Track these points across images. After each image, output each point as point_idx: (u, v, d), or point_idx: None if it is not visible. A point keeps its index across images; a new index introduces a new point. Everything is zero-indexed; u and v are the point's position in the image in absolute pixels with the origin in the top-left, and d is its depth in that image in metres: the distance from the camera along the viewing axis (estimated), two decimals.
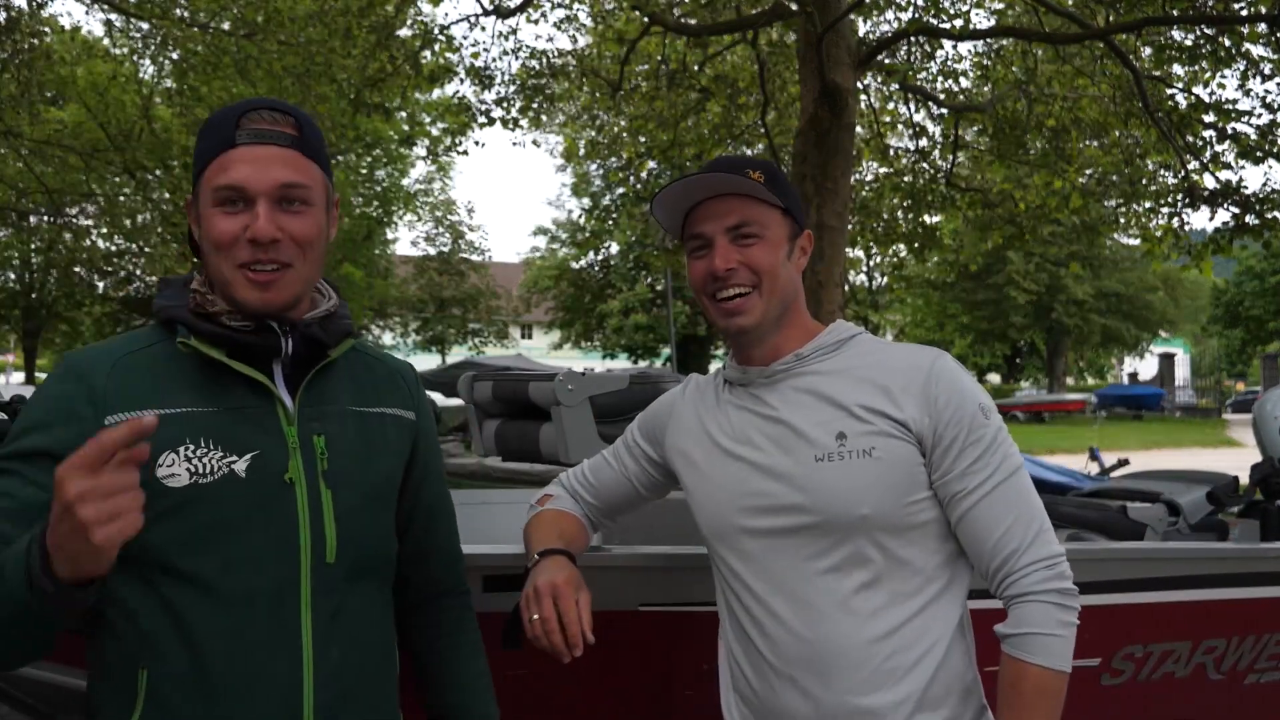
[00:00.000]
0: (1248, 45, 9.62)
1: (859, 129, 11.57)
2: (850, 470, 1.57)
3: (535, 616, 1.58)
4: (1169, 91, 10.82)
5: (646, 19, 10.75)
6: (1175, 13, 8.93)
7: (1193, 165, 10.80)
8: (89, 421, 1.37)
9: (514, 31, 15.13)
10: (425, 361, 33.80)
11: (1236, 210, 10.51)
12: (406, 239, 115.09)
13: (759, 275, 1.64)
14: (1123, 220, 13.77)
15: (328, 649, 1.42)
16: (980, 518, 1.58)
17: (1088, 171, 12.87)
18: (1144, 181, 12.48)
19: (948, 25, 10.69)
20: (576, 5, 12.37)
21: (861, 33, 11.58)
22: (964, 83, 12.78)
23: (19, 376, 31.22)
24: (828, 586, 1.59)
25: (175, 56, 13.21)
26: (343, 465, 1.48)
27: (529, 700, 2.13)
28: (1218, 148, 10.51)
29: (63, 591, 1.15)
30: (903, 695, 1.57)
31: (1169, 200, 11.96)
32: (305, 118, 1.49)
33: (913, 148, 13.62)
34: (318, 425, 1.48)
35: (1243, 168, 10.38)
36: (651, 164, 14.48)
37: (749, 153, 13.69)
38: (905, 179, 13.60)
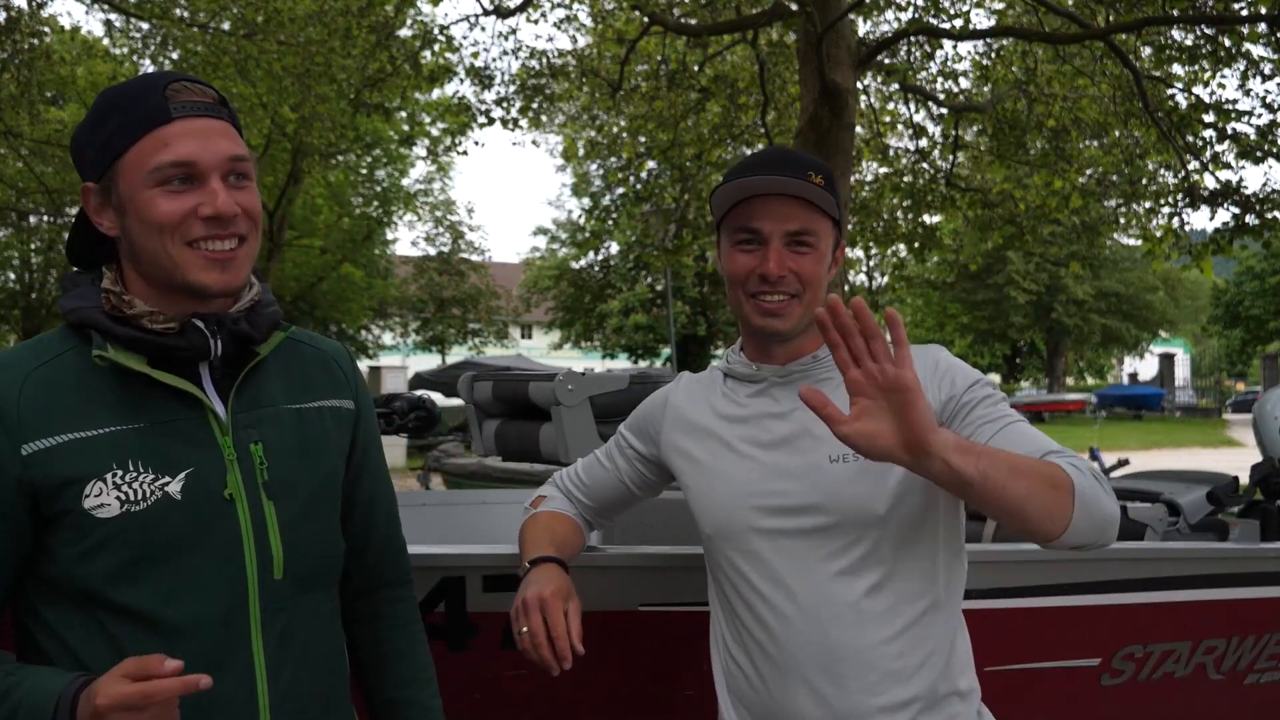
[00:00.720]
0: (1248, 45, 9.63)
1: (859, 129, 11.57)
2: (865, 471, 1.58)
3: (524, 630, 1.57)
4: (1169, 91, 10.82)
5: (646, 19, 10.75)
6: (1175, 13, 8.93)
7: (1193, 165, 10.80)
8: (4, 452, 1.26)
9: (514, 31, 15.16)
10: (425, 361, 33.79)
11: (1236, 210, 10.52)
12: (406, 239, 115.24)
13: (804, 285, 1.64)
14: (1123, 220, 13.78)
15: (280, 670, 1.35)
16: (1002, 441, 1.53)
17: (1088, 171, 12.87)
18: (1144, 181, 12.48)
19: (948, 25, 10.70)
20: (576, 5, 12.38)
21: (861, 33, 11.58)
22: (964, 83, 12.79)
23: None
24: (840, 588, 1.59)
25: (175, 56, 13.21)
26: (283, 473, 1.39)
27: (529, 700, 2.12)
28: (1218, 148, 10.52)
29: None
30: (912, 694, 1.58)
31: (1169, 200, 11.97)
32: (218, 90, 1.38)
33: (913, 148, 13.62)
34: (254, 432, 1.38)
35: (1243, 168, 10.42)
36: (651, 164, 14.48)
37: (748, 153, 13.65)
38: (905, 179, 13.60)
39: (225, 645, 1.31)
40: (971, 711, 1.64)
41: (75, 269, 1.43)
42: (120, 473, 1.28)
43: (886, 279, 32.14)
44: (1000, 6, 11.51)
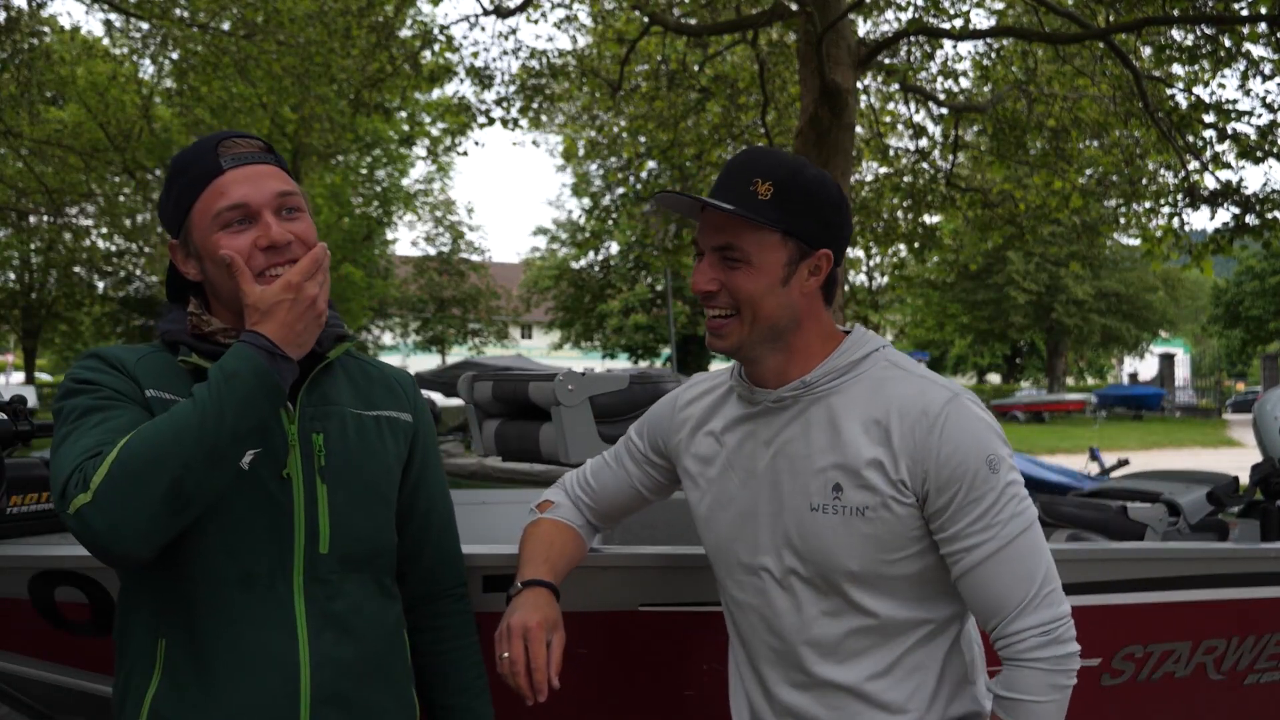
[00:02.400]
0: (1248, 45, 9.62)
1: (859, 129, 11.56)
2: (840, 526, 1.55)
3: (505, 655, 1.58)
4: (1169, 91, 10.82)
5: (646, 19, 10.75)
6: (1175, 13, 8.93)
7: (1193, 165, 10.80)
8: (134, 388, 1.48)
9: (514, 31, 15.13)
10: (425, 361, 33.79)
11: (1236, 210, 10.52)
12: (406, 239, 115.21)
13: (739, 303, 1.57)
14: (1123, 220, 13.78)
15: (322, 631, 1.51)
16: (978, 580, 1.55)
17: (1088, 171, 12.87)
18: (1144, 181, 12.48)
19: (948, 25, 10.70)
20: (576, 5, 12.38)
21: (861, 33, 11.58)
22: (964, 83, 12.79)
23: (19, 376, 31.23)
24: (821, 629, 1.60)
25: (175, 56, 13.22)
26: (340, 463, 1.56)
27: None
28: (1218, 148, 10.52)
29: (290, 365, 1.42)
30: None
31: (1169, 200, 11.97)
32: (266, 142, 1.59)
33: (913, 148, 13.62)
34: (318, 424, 1.56)
35: (1243, 168, 10.44)
36: (651, 164, 14.49)
37: None
38: (905, 179, 13.60)
39: (269, 601, 1.48)
40: None
41: (169, 302, 1.66)
42: None
43: (886, 279, 32.12)
44: (1000, 6, 11.51)
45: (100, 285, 28.69)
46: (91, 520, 1.31)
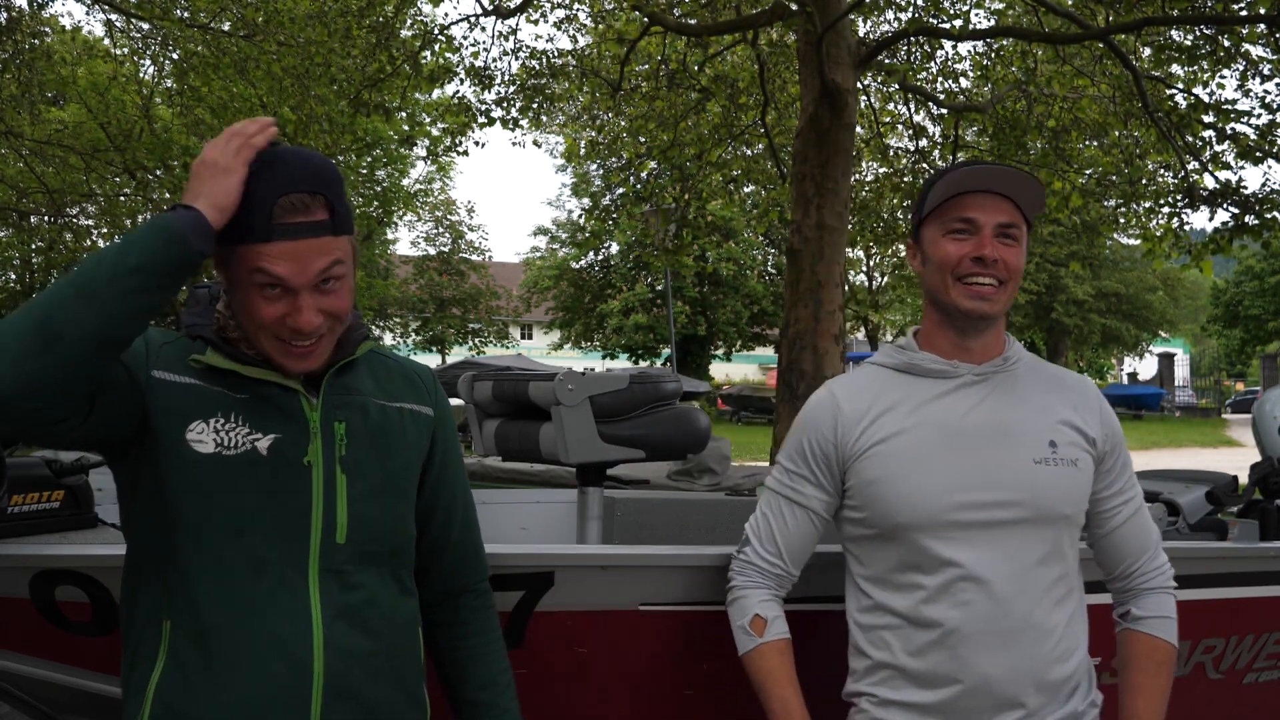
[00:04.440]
0: (1247, 45, 9.62)
1: (859, 129, 11.56)
2: (1060, 476, 1.81)
3: None
4: (1169, 91, 10.81)
5: (646, 19, 10.75)
6: (1175, 13, 8.93)
7: (1193, 165, 10.80)
8: (139, 365, 1.48)
9: (514, 31, 15.11)
10: (425, 361, 33.73)
11: (1236, 210, 10.51)
12: (406, 239, 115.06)
13: (1010, 275, 1.81)
14: (1123, 220, 13.76)
15: (336, 622, 1.50)
16: (1133, 526, 1.94)
17: (1088, 171, 12.86)
18: (1144, 181, 12.47)
19: (948, 25, 10.69)
20: (576, 5, 12.37)
21: (861, 33, 11.58)
22: (964, 83, 12.78)
23: None
24: (1035, 576, 1.79)
25: (175, 56, 13.21)
26: (360, 454, 1.56)
27: (529, 700, 2.13)
28: (1218, 148, 10.51)
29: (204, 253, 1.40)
30: (1072, 669, 1.81)
31: (1169, 200, 11.95)
32: (333, 189, 1.50)
33: (913, 148, 13.61)
34: (340, 413, 1.57)
35: (1242, 168, 10.38)
36: (651, 164, 14.47)
37: (748, 153, 13.69)
38: (905, 179, 13.60)
39: (282, 587, 1.48)
40: (1092, 684, 1.89)
41: (197, 286, 1.65)
42: (221, 420, 1.50)
43: (886, 279, 32.11)
44: (1000, 6, 11.50)
45: None
46: None
